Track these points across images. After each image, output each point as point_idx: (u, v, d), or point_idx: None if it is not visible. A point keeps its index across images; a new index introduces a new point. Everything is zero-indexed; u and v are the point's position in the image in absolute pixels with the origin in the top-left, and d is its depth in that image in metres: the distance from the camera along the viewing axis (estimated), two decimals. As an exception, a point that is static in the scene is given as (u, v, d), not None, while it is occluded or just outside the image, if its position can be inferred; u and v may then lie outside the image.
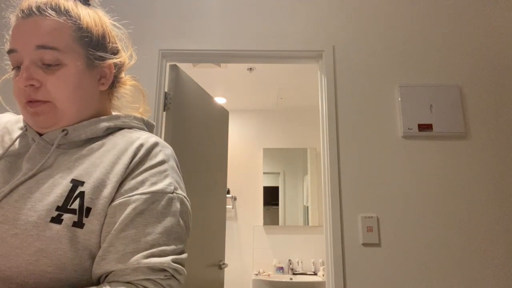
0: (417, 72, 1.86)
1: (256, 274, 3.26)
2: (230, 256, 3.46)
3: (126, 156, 0.58)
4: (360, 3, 1.97)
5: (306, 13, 1.96)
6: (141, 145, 0.60)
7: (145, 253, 0.51)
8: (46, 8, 0.58)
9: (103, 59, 0.64)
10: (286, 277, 3.21)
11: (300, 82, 3.17)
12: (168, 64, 1.95)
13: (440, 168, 1.73)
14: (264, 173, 3.67)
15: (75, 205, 0.52)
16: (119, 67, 0.69)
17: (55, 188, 0.53)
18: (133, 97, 0.74)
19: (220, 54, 1.92)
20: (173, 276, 0.53)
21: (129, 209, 0.53)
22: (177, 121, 1.90)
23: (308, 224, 3.52)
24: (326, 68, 1.87)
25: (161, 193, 0.57)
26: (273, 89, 3.33)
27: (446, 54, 1.88)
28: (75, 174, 0.55)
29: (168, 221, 0.55)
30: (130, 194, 0.55)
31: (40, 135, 0.60)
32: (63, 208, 0.51)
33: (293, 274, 3.29)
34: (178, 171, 0.64)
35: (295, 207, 3.58)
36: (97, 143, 0.61)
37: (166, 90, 1.90)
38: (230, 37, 1.93)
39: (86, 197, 0.53)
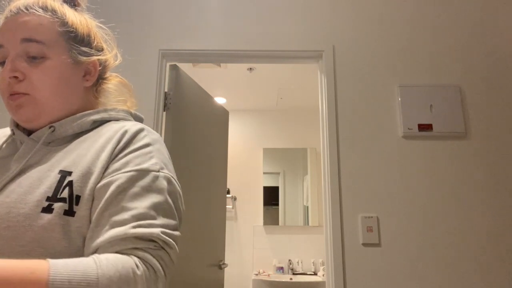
0: (417, 72, 1.86)
1: (256, 274, 3.26)
2: (230, 256, 3.46)
3: (111, 143, 0.59)
4: (360, 3, 1.97)
5: (306, 13, 1.96)
6: (126, 131, 0.61)
7: (132, 224, 0.50)
8: (34, 6, 0.60)
9: (87, 55, 0.65)
10: (286, 277, 3.21)
11: (300, 82, 3.17)
12: (168, 64, 1.95)
13: (440, 168, 1.73)
14: (264, 173, 3.67)
15: (65, 194, 0.52)
16: (104, 66, 0.70)
17: (44, 181, 0.53)
18: (121, 94, 0.74)
19: (220, 54, 1.92)
20: (162, 248, 0.51)
21: (112, 187, 0.53)
22: (177, 121, 1.90)
23: (308, 224, 3.51)
24: (326, 68, 1.87)
25: (146, 171, 0.56)
26: (273, 89, 3.33)
27: (446, 54, 1.88)
28: (63, 165, 0.55)
29: (154, 197, 0.54)
30: (113, 174, 0.55)
31: (29, 135, 0.62)
32: (53, 198, 0.51)
33: (293, 274, 3.29)
34: (166, 155, 0.63)
35: (295, 207, 3.58)
36: (84, 136, 0.62)
37: (166, 90, 1.90)
38: (230, 37, 1.93)
39: (75, 185, 0.53)
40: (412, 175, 1.72)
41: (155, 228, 0.51)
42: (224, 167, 2.45)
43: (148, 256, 0.49)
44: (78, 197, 0.53)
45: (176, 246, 0.54)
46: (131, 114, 0.71)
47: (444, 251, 1.63)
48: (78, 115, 0.63)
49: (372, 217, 1.67)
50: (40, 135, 0.60)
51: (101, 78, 0.71)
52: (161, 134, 1.83)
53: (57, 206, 0.51)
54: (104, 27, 0.74)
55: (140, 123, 0.65)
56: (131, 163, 0.56)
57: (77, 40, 0.64)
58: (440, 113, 1.78)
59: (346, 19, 1.95)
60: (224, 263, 2.25)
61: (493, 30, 1.91)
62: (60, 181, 0.53)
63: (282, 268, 3.36)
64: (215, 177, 2.28)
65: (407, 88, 1.81)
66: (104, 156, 0.57)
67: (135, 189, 0.53)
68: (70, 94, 0.63)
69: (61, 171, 0.54)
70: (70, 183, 0.53)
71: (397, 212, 1.68)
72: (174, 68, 1.93)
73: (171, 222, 0.55)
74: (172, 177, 0.60)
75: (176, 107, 1.91)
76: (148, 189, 0.54)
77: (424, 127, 1.76)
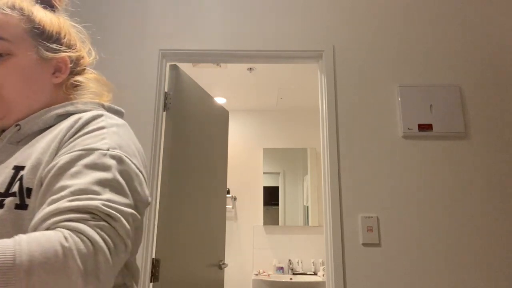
0: (417, 72, 1.86)
1: (256, 274, 3.26)
2: (230, 256, 3.46)
3: (63, 131, 0.57)
4: (360, 3, 1.97)
5: (306, 13, 1.96)
6: (79, 118, 0.59)
7: (68, 198, 0.46)
8: (2, 6, 0.61)
9: (55, 51, 0.65)
10: (286, 277, 3.21)
11: (300, 82, 3.17)
12: (168, 64, 1.95)
13: (440, 168, 1.73)
14: (264, 173, 3.67)
15: (16, 188, 0.51)
16: (75, 62, 0.70)
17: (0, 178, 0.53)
18: (96, 90, 0.73)
19: (220, 54, 1.92)
20: (104, 220, 0.45)
21: (54, 169, 0.50)
22: (177, 121, 1.90)
23: (308, 224, 3.51)
24: (326, 68, 1.87)
25: (91, 150, 0.52)
26: (273, 89, 3.33)
27: (446, 54, 1.88)
28: (18, 161, 0.55)
29: (99, 174, 0.49)
30: (58, 158, 0.52)
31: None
32: (4, 193, 0.51)
33: (293, 274, 3.29)
34: (125, 137, 0.59)
35: (295, 207, 3.58)
36: (47, 130, 0.61)
37: (166, 90, 1.90)
38: (230, 37, 1.93)
39: (25, 178, 0.52)
40: (412, 175, 1.72)
41: (94, 201, 0.46)
42: (224, 167, 2.45)
43: (82, 227, 0.43)
44: (29, 190, 0.51)
45: (126, 221, 0.48)
46: (103, 106, 0.68)
47: (444, 251, 1.63)
48: (42, 111, 0.62)
49: (372, 217, 1.67)
50: (7, 134, 0.60)
51: (74, 75, 0.70)
52: (161, 134, 1.83)
53: (8, 201, 0.50)
54: (78, 26, 0.73)
55: (101, 112, 0.62)
56: (78, 145, 0.53)
57: (45, 37, 0.64)
58: (440, 113, 1.78)
59: (346, 19, 1.95)
60: (224, 263, 2.25)
61: (493, 30, 1.91)
62: (13, 177, 0.52)
63: (282, 268, 3.35)
64: (215, 177, 2.28)
65: (407, 88, 1.81)
66: (54, 145, 0.56)
67: (77, 167, 0.50)
68: (38, 91, 0.63)
69: (15, 167, 0.54)
70: (22, 177, 0.52)
71: (397, 212, 1.68)
72: (174, 68, 1.93)
73: (122, 199, 0.50)
74: (126, 156, 0.55)
75: (176, 107, 1.91)
76: (92, 167, 0.50)
77: (424, 127, 1.76)
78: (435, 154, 1.75)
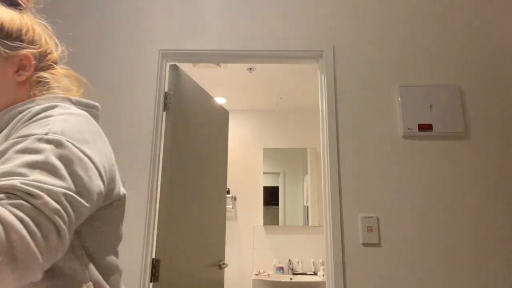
0: (417, 72, 1.86)
1: (256, 274, 3.26)
2: (230, 256, 3.46)
3: (11, 125, 0.55)
4: (360, 3, 1.97)
5: (306, 13, 1.96)
6: (29, 111, 0.57)
7: None
8: None
9: (16, 48, 0.64)
10: (286, 277, 3.21)
11: (300, 82, 3.17)
12: (168, 64, 1.95)
13: (440, 168, 1.73)
14: (264, 173, 3.67)
15: None
16: (40, 58, 0.68)
17: None
18: (66, 85, 0.71)
19: (220, 54, 1.92)
20: (22, 198, 0.42)
21: None
22: (177, 121, 1.90)
23: (308, 224, 3.51)
24: (326, 68, 1.87)
25: (27, 136, 0.49)
26: (273, 89, 3.33)
27: (446, 54, 1.88)
28: None
29: (28, 157, 0.46)
30: None
31: None
32: None
33: (293, 274, 3.29)
34: (74, 123, 0.55)
35: (295, 207, 3.58)
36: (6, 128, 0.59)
37: (166, 90, 1.90)
38: (230, 37, 1.93)
39: None
40: (412, 175, 1.72)
41: (13, 181, 0.43)
42: (224, 167, 2.45)
43: None
44: None
45: (54, 200, 0.44)
46: (71, 100, 0.65)
47: (444, 251, 1.63)
48: (4, 110, 0.61)
49: (372, 217, 1.67)
50: None
51: (40, 71, 0.68)
52: (161, 134, 1.83)
53: None
54: (44, 23, 0.71)
55: (57, 103, 0.60)
56: (17, 134, 0.51)
57: (4, 35, 0.62)
58: (440, 113, 1.78)
59: (346, 19, 1.95)
60: (224, 263, 2.25)
61: (493, 30, 1.91)
62: None
63: (282, 268, 3.36)
64: (215, 177, 2.28)
65: (407, 88, 1.81)
66: (1, 140, 0.54)
67: (8, 154, 0.47)
68: (0, 90, 0.62)
69: None
70: None
71: (397, 212, 1.68)
72: (174, 68, 1.93)
73: (53, 180, 0.46)
74: (68, 140, 0.51)
75: (176, 107, 1.91)
76: (23, 151, 0.47)
77: (424, 127, 1.76)
78: (435, 154, 1.75)
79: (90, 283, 0.57)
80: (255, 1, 1.99)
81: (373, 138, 1.78)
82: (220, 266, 2.23)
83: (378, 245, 1.65)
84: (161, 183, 1.76)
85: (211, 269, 2.13)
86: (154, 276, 1.64)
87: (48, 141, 0.49)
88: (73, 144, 0.52)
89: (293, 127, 3.80)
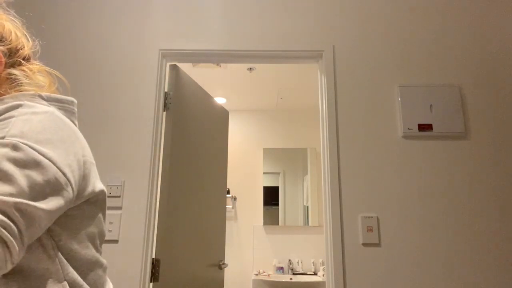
0: (417, 72, 1.86)
1: (256, 274, 3.26)
2: (230, 256, 3.46)
3: None
4: (360, 3, 1.97)
5: (306, 13, 1.96)
6: None
7: None
8: None
9: None
10: (286, 277, 3.21)
11: (300, 82, 3.17)
12: (168, 64, 1.95)
13: (440, 168, 1.73)
14: (264, 173, 3.67)
15: None
16: (10, 55, 0.66)
17: None
18: (37, 82, 0.68)
19: (220, 54, 1.92)
20: None
21: None
22: (177, 121, 1.90)
23: (308, 224, 3.51)
24: (326, 68, 1.87)
25: None
26: (273, 89, 3.33)
27: (446, 54, 1.88)
28: None
29: None
30: None
31: None
32: None
33: (293, 274, 3.29)
34: (37, 124, 0.54)
35: (295, 207, 3.58)
36: None
37: (166, 90, 1.90)
38: (230, 37, 1.93)
39: None
40: (412, 175, 1.72)
41: None
42: (224, 167, 2.45)
43: None
44: None
45: (2, 213, 0.45)
46: (41, 97, 0.64)
47: (444, 251, 1.63)
48: None
49: (372, 217, 1.67)
50: None
51: (10, 67, 0.66)
52: (161, 134, 1.83)
53: None
54: (15, 19, 0.69)
55: (21, 102, 0.58)
56: None
57: None
58: (440, 113, 1.78)
59: (346, 19, 1.95)
60: (224, 263, 2.25)
61: (493, 30, 1.91)
62: None
63: (282, 268, 3.36)
64: (215, 177, 2.28)
65: (407, 88, 1.81)
66: None
67: None
68: None
69: None
70: None
71: (397, 212, 1.68)
72: (174, 68, 1.93)
73: (4, 187, 0.46)
74: (25, 144, 0.50)
75: (176, 107, 1.91)
76: None
77: (424, 127, 1.76)
78: (435, 154, 1.75)
79: (65, 283, 0.56)
80: (255, 1, 1.99)
81: (373, 138, 1.78)
82: (220, 266, 2.23)
83: (378, 245, 1.65)
84: (161, 183, 1.76)
85: (211, 269, 2.13)
86: (154, 276, 1.64)
87: (4, 145, 0.48)
88: (30, 147, 0.50)
89: (293, 127, 3.80)
